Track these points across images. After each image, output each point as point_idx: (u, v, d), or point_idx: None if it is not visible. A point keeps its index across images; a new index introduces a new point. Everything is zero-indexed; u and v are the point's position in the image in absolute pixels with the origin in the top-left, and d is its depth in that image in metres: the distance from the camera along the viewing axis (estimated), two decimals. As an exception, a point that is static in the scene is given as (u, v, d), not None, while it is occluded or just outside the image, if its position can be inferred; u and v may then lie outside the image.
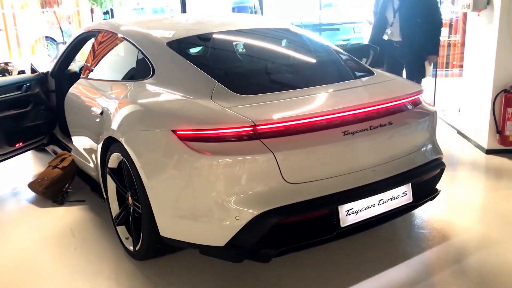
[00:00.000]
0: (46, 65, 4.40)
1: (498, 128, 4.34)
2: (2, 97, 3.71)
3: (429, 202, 2.82)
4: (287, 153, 2.21)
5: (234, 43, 3.28)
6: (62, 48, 4.25)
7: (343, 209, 2.32)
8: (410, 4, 4.47)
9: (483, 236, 2.97)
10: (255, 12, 8.58)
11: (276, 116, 2.25)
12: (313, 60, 3.22)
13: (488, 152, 4.45)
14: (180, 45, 2.91)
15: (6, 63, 4.34)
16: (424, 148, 2.71)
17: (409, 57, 4.57)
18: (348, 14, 10.62)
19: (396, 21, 4.52)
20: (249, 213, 2.17)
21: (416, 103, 2.73)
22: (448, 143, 4.89)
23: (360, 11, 9.92)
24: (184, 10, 8.77)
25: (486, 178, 4.01)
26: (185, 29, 3.28)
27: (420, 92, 2.73)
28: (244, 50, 3.28)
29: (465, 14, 6.11)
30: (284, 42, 3.33)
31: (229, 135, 2.21)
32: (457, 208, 3.37)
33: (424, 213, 3.20)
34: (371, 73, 2.93)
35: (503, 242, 2.88)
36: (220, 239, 2.23)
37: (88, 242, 3.06)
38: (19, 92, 3.89)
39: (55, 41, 11.71)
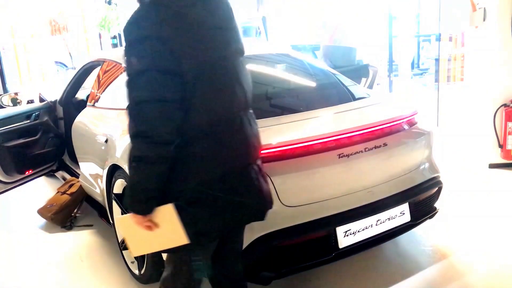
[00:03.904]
0: (57, 90, 4.53)
1: (500, 143, 4.37)
2: (12, 127, 3.84)
3: (431, 219, 2.84)
4: (283, 177, 2.28)
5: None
6: (71, 75, 4.38)
7: (340, 230, 2.37)
8: None
9: (485, 252, 2.99)
10: (260, 33, 8.74)
11: (272, 141, 2.31)
12: (310, 84, 3.30)
13: (491, 166, 4.47)
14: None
15: (16, 93, 4.47)
16: (421, 168, 2.76)
17: None
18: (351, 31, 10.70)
19: None
20: (249, 237, 2.22)
21: (412, 124, 2.79)
22: (451, 158, 4.91)
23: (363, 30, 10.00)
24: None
25: (489, 193, 4.03)
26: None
27: (414, 113, 2.79)
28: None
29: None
30: (283, 67, 3.41)
31: (227, 161, 2.27)
32: (459, 224, 3.39)
33: (426, 230, 3.22)
34: (366, 95, 2.99)
35: (506, 258, 2.90)
36: (221, 262, 2.29)
37: (95, 266, 3.13)
38: (29, 121, 4.02)
39: (66, 66, 11.96)
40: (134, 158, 1.55)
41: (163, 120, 1.52)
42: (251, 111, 1.81)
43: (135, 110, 1.53)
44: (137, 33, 1.54)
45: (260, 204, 1.80)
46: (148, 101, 1.51)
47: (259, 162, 1.83)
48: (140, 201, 1.58)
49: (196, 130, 1.59)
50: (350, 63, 5.11)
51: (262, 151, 2.24)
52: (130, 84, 1.55)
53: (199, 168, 1.61)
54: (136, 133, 1.53)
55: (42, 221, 3.90)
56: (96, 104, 3.65)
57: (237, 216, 1.72)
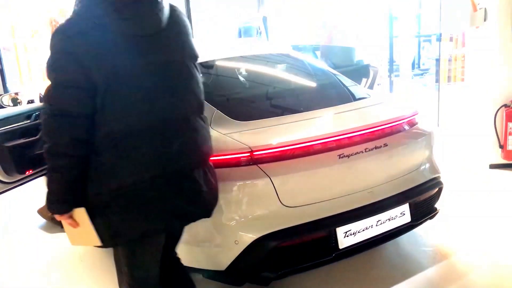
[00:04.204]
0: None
1: (501, 143, 4.37)
2: (12, 127, 3.83)
3: (431, 220, 2.84)
4: (283, 177, 2.27)
5: (234, 69, 3.37)
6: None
7: (341, 231, 2.37)
8: None
9: (486, 253, 2.99)
10: (260, 33, 8.73)
11: (272, 142, 2.31)
12: (310, 84, 3.30)
13: (492, 166, 4.47)
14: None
15: (16, 93, 4.47)
16: (421, 168, 2.75)
17: None
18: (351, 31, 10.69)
19: None
20: (248, 238, 2.23)
21: (412, 124, 2.78)
22: (452, 158, 4.91)
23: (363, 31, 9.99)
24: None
25: (490, 193, 4.02)
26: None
27: (415, 113, 2.79)
28: (245, 76, 3.36)
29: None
30: (283, 67, 3.41)
31: (227, 161, 2.27)
32: (459, 224, 3.39)
33: (427, 231, 3.22)
34: (367, 96, 2.99)
35: (507, 258, 2.90)
36: (220, 263, 2.29)
37: (95, 266, 3.13)
38: (29, 121, 4.01)
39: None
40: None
41: (61, 133, 1.59)
42: (196, 117, 1.81)
43: (42, 121, 1.64)
44: (52, 46, 1.60)
45: (187, 212, 1.82)
46: (50, 114, 1.60)
47: (199, 170, 1.83)
48: (50, 202, 1.69)
49: (106, 140, 1.64)
50: (349, 63, 5.09)
51: (260, 152, 2.25)
52: (43, 96, 1.59)
53: (109, 176, 1.66)
54: (43, 142, 1.64)
55: (42, 221, 3.89)
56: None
57: (156, 221, 1.74)
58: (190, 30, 1.85)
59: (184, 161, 1.76)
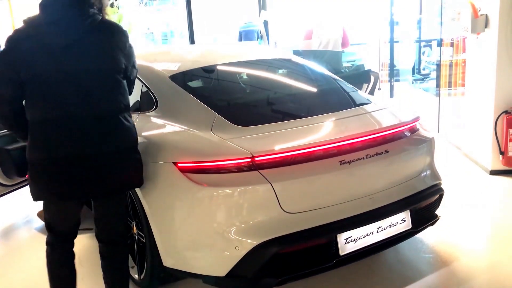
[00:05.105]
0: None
1: (501, 149, 4.37)
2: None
3: (432, 226, 2.83)
4: (284, 183, 2.27)
5: (236, 74, 3.36)
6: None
7: (341, 237, 2.36)
8: None
9: (487, 259, 2.99)
10: (261, 37, 8.74)
11: (273, 147, 2.31)
12: (312, 90, 3.29)
13: (492, 173, 4.46)
14: (182, 78, 3.00)
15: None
16: (422, 175, 2.75)
17: None
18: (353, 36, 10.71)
19: None
20: (249, 244, 2.22)
21: (413, 130, 2.78)
22: (452, 164, 4.91)
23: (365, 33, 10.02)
24: (191, 33, 8.95)
25: (490, 199, 4.02)
26: (188, 62, 3.38)
27: (416, 119, 2.79)
28: (246, 81, 3.36)
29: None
30: (285, 72, 3.41)
31: (228, 167, 2.27)
32: (460, 231, 3.38)
33: (427, 237, 3.22)
34: (368, 101, 2.99)
35: (507, 265, 2.89)
36: (221, 269, 2.28)
37: (95, 270, 3.10)
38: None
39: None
40: None
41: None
42: (114, 116, 2.20)
43: None
44: (3, 46, 2.15)
45: (89, 187, 2.21)
46: None
47: (112, 156, 2.21)
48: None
49: (31, 122, 2.18)
50: (336, 68, 4.95)
51: (261, 157, 2.25)
52: None
53: (29, 149, 2.20)
54: None
55: (42, 224, 3.88)
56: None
57: (58, 191, 2.21)
58: (119, 45, 2.23)
59: (90, 148, 2.16)
